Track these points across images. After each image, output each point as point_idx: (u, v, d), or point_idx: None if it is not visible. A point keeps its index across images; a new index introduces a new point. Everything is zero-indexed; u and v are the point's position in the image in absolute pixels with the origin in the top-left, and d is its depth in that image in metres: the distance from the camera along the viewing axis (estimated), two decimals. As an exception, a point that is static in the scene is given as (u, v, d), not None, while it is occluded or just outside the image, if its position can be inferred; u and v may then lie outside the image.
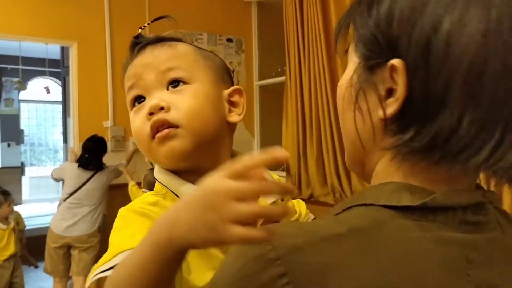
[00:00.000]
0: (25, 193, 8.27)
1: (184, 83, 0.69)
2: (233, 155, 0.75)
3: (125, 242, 0.60)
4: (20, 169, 8.28)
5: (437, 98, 0.44)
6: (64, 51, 4.94)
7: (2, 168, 8.10)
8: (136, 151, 3.90)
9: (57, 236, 3.26)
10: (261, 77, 4.50)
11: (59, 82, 7.58)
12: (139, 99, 0.71)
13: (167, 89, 0.69)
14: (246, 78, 4.43)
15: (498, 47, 0.42)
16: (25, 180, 8.57)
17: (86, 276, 3.11)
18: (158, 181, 0.74)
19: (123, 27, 3.79)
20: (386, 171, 0.50)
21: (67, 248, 3.31)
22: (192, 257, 0.59)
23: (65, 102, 5.28)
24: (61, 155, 9.76)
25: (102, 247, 3.51)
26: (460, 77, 0.43)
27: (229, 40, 4.34)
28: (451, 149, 0.44)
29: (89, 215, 3.31)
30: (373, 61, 0.48)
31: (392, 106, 0.46)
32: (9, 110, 8.07)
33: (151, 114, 0.67)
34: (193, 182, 0.68)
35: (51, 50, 5.63)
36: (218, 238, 0.40)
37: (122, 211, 0.68)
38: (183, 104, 0.67)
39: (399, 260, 0.43)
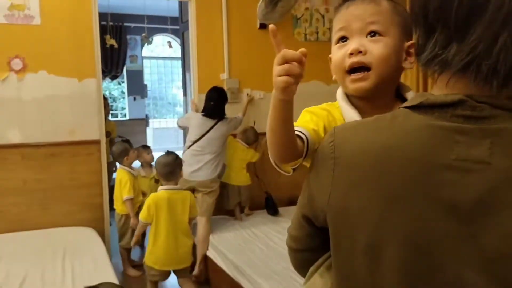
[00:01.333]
0: (149, 143, 9.05)
1: (380, 35, 0.91)
2: (399, 87, 0.99)
3: (298, 123, 0.95)
4: (144, 121, 9.04)
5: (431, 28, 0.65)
6: (182, 7, 5.17)
7: (129, 120, 8.93)
8: (249, 102, 4.04)
9: (183, 180, 3.56)
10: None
11: (178, 40, 7.99)
12: (343, 39, 0.95)
13: (366, 37, 0.91)
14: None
15: None
16: (149, 131, 9.34)
17: (208, 217, 3.39)
18: (337, 98, 1.01)
19: (238, -19, 3.86)
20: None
21: (192, 191, 3.60)
22: None
23: (184, 58, 5.57)
24: (179, 108, 10.44)
25: (222, 192, 3.77)
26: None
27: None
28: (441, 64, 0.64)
29: (211, 162, 3.55)
30: None
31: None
32: (134, 66, 8.73)
33: (351, 54, 0.91)
34: (360, 105, 0.96)
35: (172, 7, 5.94)
36: (275, 86, 0.76)
37: (304, 110, 1.03)
38: (376, 52, 0.90)
39: (397, 132, 0.66)
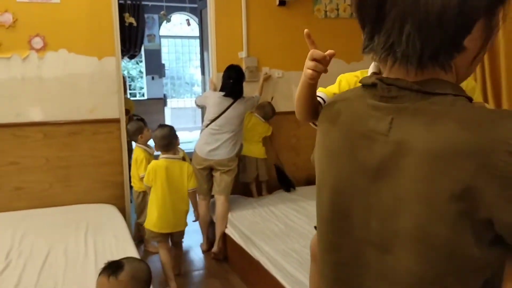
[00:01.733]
0: (167, 123, 9.10)
1: None
2: None
3: (326, 88, 1.25)
4: (162, 100, 9.08)
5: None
6: (200, -15, 5.12)
7: (148, 99, 8.98)
8: (265, 81, 4.01)
9: (201, 159, 3.58)
10: None
11: (196, 19, 7.94)
12: None
13: None
14: None
15: None
16: (167, 110, 9.38)
17: (227, 195, 3.43)
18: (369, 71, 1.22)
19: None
20: None
21: (210, 170, 3.63)
22: None
23: (201, 36, 5.54)
24: (196, 88, 10.45)
25: (239, 166, 3.79)
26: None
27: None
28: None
29: (229, 141, 3.55)
30: None
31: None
32: (152, 45, 8.72)
33: None
34: None
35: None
36: (303, 73, 0.96)
37: (340, 76, 1.27)
38: None
39: (348, 103, 0.83)
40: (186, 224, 3.16)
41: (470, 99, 0.71)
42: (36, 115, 3.45)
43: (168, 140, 3.02)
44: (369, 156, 0.74)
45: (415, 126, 0.69)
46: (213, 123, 3.56)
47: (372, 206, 0.73)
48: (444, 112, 0.68)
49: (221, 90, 3.64)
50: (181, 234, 3.17)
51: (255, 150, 3.93)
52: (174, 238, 3.14)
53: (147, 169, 3.07)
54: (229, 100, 3.56)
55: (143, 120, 3.97)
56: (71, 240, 2.78)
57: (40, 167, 3.49)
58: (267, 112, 3.95)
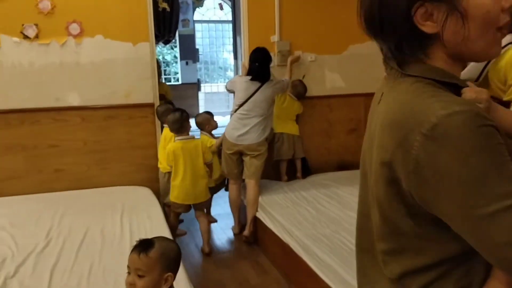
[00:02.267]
0: (201, 107, 9.20)
1: None
2: None
3: None
4: (196, 85, 9.17)
5: None
6: (233, -31, 5.09)
7: (182, 84, 9.09)
8: (293, 64, 3.97)
9: (231, 143, 3.60)
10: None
11: (229, 3, 7.93)
12: None
13: None
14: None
15: None
16: (200, 95, 9.48)
17: (257, 179, 3.46)
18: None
19: None
20: None
21: (240, 155, 3.65)
22: None
23: (234, 21, 5.54)
24: (229, 72, 10.48)
25: (270, 155, 3.81)
26: None
27: None
28: None
29: (258, 125, 3.55)
30: None
31: None
32: (186, 30, 8.78)
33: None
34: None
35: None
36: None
37: None
38: None
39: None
40: (207, 196, 3.50)
41: (443, 82, 0.75)
42: (74, 100, 3.56)
43: (180, 124, 3.30)
44: (373, 121, 0.84)
45: (384, 101, 0.81)
46: (241, 108, 3.56)
47: (371, 164, 0.82)
48: (397, 91, 0.77)
49: (248, 74, 3.63)
50: (202, 205, 3.48)
51: (291, 127, 4.01)
52: (197, 208, 3.46)
53: (166, 152, 3.37)
54: (256, 84, 3.54)
55: (172, 103, 4.00)
56: (107, 221, 2.88)
57: (79, 149, 3.62)
58: (300, 91, 3.99)
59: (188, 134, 3.37)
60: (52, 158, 3.57)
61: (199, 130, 3.84)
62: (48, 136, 3.54)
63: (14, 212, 3.04)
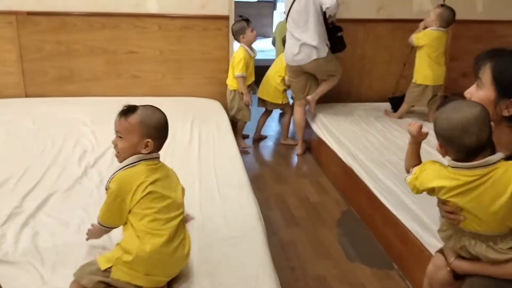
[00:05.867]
0: (274, 27, 8.94)
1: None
2: None
3: None
4: (272, 4, 8.88)
5: None
6: None
7: (258, 1, 8.84)
8: None
9: (288, 66, 3.58)
10: None
11: None
12: None
13: None
14: None
15: None
16: (275, 14, 9.20)
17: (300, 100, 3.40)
18: None
19: None
20: None
21: (302, 75, 3.59)
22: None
23: None
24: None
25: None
26: None
27: None
28: None
29: (308, 41, 3.33)
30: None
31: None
32: None
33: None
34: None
35: None
36: None
37: None
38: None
39: None
40: (281, 97, 3.90)
41: None
42: (152, 7, 3.60)
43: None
44: None
45: None
46: (288, 20, 3.40)
47: None
48: None
49: None
50: (274, 105, 3.96)
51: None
52: (268, 107, 4.01)
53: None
54: None
55: (247, 21, 3.90)
56: (178, 128, 3.00)
57: (155, 57, 3.72)
58: (446, 17, 3.27)
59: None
60: (130, 63, 3.71)
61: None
62: (128, 42, 3.66)
63: (96, 111, 3.24)
